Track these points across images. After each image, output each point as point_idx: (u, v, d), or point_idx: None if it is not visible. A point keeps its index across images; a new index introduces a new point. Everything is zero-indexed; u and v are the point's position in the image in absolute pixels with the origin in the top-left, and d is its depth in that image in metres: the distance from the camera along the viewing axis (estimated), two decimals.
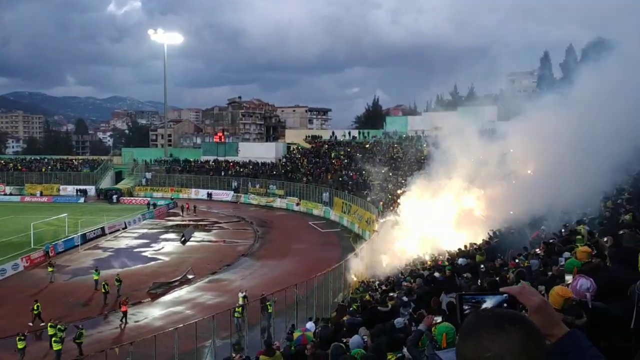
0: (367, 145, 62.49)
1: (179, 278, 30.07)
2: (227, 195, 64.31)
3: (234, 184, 64.62)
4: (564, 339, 1.57)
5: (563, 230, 14.49)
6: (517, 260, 12.88)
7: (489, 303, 1.60)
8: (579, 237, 11.74)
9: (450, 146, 28.51)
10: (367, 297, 18.58)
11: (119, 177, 74.13)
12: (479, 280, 12.77)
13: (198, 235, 43.39)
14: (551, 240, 13.48)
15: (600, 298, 5.02)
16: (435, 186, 28.43)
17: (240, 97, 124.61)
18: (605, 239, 8.19)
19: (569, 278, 5.69)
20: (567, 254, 9.25)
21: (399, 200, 36.27)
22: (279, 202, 59.55)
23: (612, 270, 6.28)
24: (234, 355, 16.23)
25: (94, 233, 42.19)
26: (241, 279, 31.08)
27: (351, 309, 16.24)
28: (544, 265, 10.58)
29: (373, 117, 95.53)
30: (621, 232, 8.76)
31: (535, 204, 19.30)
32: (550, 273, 8.48)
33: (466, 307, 1.61)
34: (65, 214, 43.36)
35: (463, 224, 25.43)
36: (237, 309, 22.60)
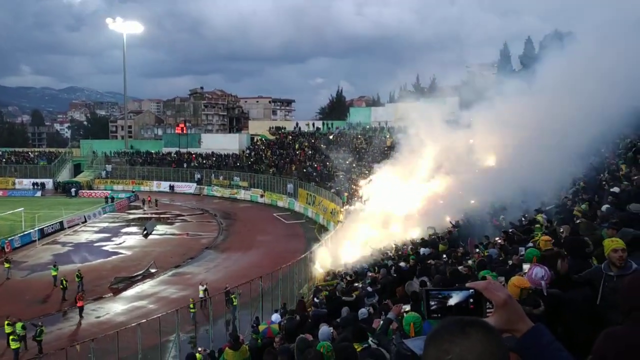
0: (331, 137, 62.55)
1: (141, 272, 29.61)
2: (189, 187, 63.55)
3: (197, 176, 63.88)
4: (527, 334, 1.60)
5: (523, 219, 14.86)
6: (477, 250, 13.15)
7: (455, 298, 1.61)
8: (538, 226, 12.06)
9: (417, 134, 28.82)
10: (334, 283, 18.71)
11: (77, 169, 72.19)
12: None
13: (160, 229, 42.80)
14: (510, 230, 13.84)
15: (559, 287, 5.17)
16: (401, 175, 28.77)
17: (202, 88, 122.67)
18: (561, 229, 8.45)
19: (526, 267, 5.84)
20: (529, 244, 9.48)
21: (363, 190, 36.56)
22: (243, 194, 59.18)
23: (570, 259, 6.48)
24: (199, 349, 16.11)
25: (52, 227, 41.09)
26: (205, 271, 30.82)
27: (317, 299, 16.30)
28: (505, 254, 10.84)
29: (337, 108, 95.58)
30: (577, 221, 9.05)
31: (496, 193, 19.74)
32: (510, 262, 8.69)
33: (433, 303, 1.62)
34: (22, 209, 41.93)
35: (428, 212, 25.80)
36: (190, 305, 22.33)
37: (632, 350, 2.51)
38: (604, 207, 10.28)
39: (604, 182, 14.13)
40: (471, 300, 1.60)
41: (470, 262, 11.35)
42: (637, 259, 4.89)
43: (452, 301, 1.61)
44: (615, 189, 11.74)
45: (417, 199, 27.36)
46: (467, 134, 26.25)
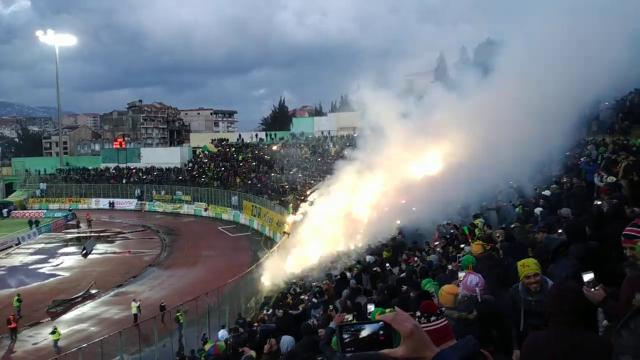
0: (275, 147, 62.43)
1: (81, 293, 28.54)
2: (130, 203, 61.72)
3: (137, 191, 62.12)
4: None
5: (461, 224, 15.27)
6: (416, 258, 13.38)
7: (367, 330, 1.68)
8: (478, 230, 12.45)
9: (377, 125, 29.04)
10: (283, 299, 18.62)
11: (9, 189, 68.93)
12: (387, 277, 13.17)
13: (101, 247, 41.34)
14: (452, 230, 14.23)
15: (492, 290, 5.37)
16: (348, 183, 28.92)
17: (140, 101, 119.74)
18: (497, 233, 8.77)
19: (462, 275, 6.02)
20: (467, 248, 9.76)
21: (308, 201, 36.60)
22: (186, 208, 58.06)
23: (506, 263, 6.73)
24: None
25: None
26: (149, 290, 29.99)
27: (263, 312, 16.20)
28: (446, 259, 11.13)
29: (280, 118, 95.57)
30: (512, 225, 9.42)
31: (437, 200, 20.21)
32: (450, 267, 8.93)
33: (346, 336, 1.69)
34: None
35: (374, 222, 26.06)
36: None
37: (549, 352, 2.81)
38: (537, 210, 10.76)
39: (535, 188, 14.75)
40: (381, 332, 1.68)
41: (404, 266, 11.55)
42: (562, 265, 5.10)
43: (364, 333, 1.68)
44: (546, 192, 12.30)
45: (366, 206, 27.57)
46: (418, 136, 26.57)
